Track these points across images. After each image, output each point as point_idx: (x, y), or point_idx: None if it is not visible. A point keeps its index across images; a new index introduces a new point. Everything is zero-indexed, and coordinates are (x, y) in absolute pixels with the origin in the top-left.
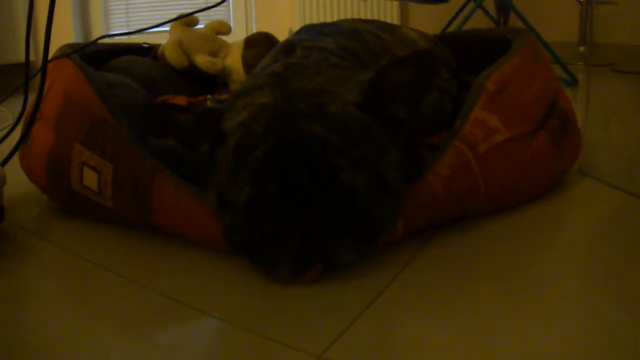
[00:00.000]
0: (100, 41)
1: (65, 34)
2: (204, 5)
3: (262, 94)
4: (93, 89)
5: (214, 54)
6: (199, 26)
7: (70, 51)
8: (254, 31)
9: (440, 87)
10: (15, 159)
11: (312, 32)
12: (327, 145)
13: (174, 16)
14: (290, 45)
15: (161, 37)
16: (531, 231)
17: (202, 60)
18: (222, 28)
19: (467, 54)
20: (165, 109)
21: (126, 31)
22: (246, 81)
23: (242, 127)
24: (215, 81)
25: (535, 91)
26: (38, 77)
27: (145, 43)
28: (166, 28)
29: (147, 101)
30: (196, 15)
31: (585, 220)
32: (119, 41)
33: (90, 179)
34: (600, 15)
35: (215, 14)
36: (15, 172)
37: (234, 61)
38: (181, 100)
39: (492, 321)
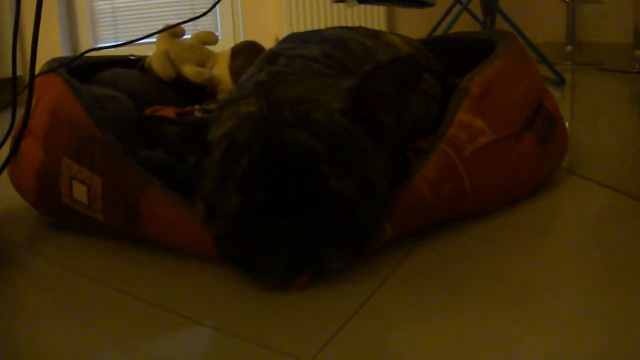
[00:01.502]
0: (85, 45)
1: (52, 46)
2: (191, 16)
3: (247, 104)
4: (80, 104)
5: (201, 64)
6: (185, 37)
7: (57, 65)
8: (242, 40)
9: (424, 91)
10: (5, 175)
11: (296, 40)
12: (312, 152)
13: (161, 27)
14: (274, 55)
15: (149, 48)
16: (520, 231)
17: (189, 70)
18: (209, 38)
19: (452, 57)
20: (151, 121)
21: (113, 43)
22: (232, 91)
23: (227, 137)
24: (203, 91)
25: (520, 93)
26: (26, 93)
27: (132, 55)
28: (153, 39)
29: (133, 114)
30: (183, 25)
31: (574, 219)
32: (106, 54)
33: (79, 192)
34: (586, 15)
35: (203, 24)
36: (4, 187)
37: (221, 71)
38: (170, 111)
39: (483, 323)
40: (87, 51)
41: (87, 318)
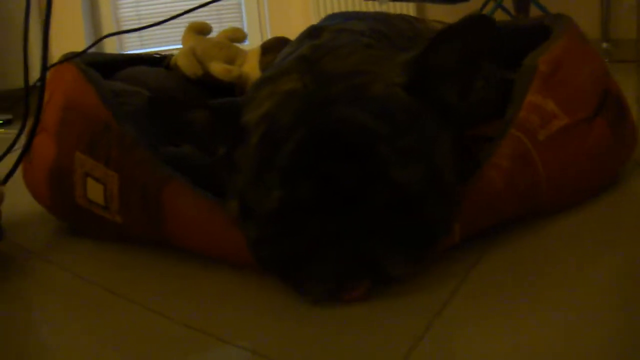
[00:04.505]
0: (111, 52)
1: (75, 43)
2: (217, 22)
3: (289, 80)
4: (95, 92)
5: (230, 61)
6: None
7: (72, 56)
8: (268, 37)
9: (484, 73)
10: (20, 180)
11: (337, 18)
12: (370, 133)
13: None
14: (315, 30)
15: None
16: (601, 230)
17: (217, 68)
18: (237, 35)
19: (503, 48)
20: (175, 104)
21: (135, 27)
22: (266, 70)
23: (266, 118)
24: (231, 89)
25: (588, 73)
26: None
27: (157, 53)
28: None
29: (155, 95)
30: (209, 23)
31: None
32: (130, 53)
33: (95, 192)
34: (621, 11)
35: (228, 21)
36: (19, 191)
37: (251, 68)
38: None
39: (570, 333)
40: (105, 36)
41: (102, 334)
